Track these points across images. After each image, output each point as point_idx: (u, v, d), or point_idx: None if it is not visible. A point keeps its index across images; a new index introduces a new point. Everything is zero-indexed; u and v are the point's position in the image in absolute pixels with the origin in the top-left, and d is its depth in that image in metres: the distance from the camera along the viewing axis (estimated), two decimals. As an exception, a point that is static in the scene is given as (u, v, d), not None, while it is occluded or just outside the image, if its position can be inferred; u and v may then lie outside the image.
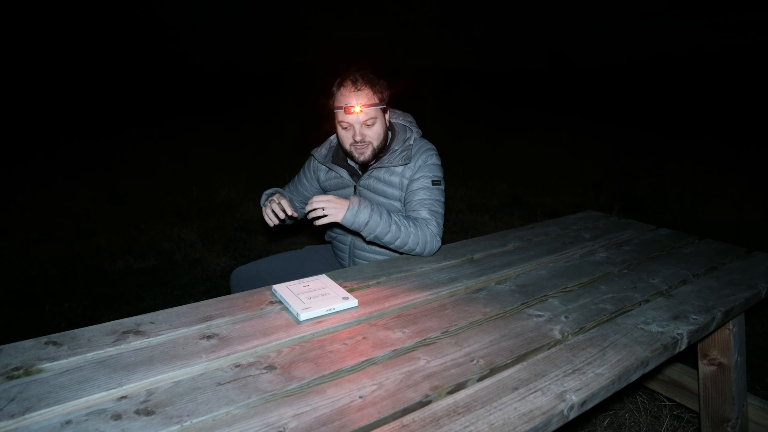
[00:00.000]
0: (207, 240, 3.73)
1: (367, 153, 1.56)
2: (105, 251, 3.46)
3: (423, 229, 1.50)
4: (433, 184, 1.57)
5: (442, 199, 1.59)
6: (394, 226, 1.45)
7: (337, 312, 1.17)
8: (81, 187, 5.20)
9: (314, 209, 1.41)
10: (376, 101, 1.52)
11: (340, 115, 1.52)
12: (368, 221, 1.42)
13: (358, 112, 1.49)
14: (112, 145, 7.94)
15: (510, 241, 1.74)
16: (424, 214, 1.53)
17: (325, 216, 1.41)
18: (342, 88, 1.51)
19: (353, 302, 1.20)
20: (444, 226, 1.59)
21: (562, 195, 4.99)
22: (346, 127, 1.54)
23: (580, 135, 8.95)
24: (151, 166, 6.19)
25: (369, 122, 1.52)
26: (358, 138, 1.52)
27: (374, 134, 1.55)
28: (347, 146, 1.56)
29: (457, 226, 4.02)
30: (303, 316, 1.13)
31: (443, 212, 1.58)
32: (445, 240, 1.65)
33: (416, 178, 1.58)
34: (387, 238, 1.45)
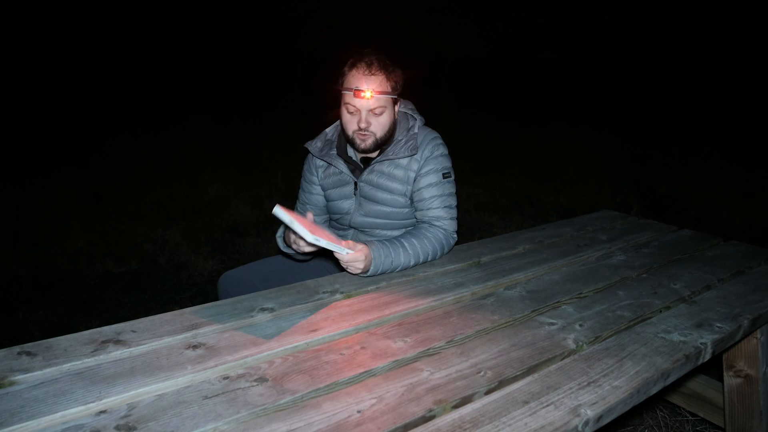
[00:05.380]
0: (193, 242, 3.73)
1: (368, 142, 1.56)
2: (83, 254, 3.46)
3: (435, 234, 1.55)
4: (443, 178, 1.59)
5: (454, 191, 1.63)
6: (413, 259, 1.49)
7: (327, 249, 1.27)
8: (57, 185, 5.21)
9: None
10: (388, 89, 1.53)
11: (348, 97, 1.52)
12: (389, 269, 1.45)
13: (368, 98, 1.49)
14: (90, 140, 7.95)
15: (520, 243, 1.74)
16: (436, 212, 1.57)
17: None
18: (354, 69, 1.51)
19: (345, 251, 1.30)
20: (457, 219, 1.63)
21: (576, 193, 5.00)
22: (352, 112, 1.54)
23: (596, 128, 8.96)
24: (132, 163, 6.20)
25: (377, 111, 1.53)
26: (362, 125, 1.52)
27: (380, 125, 1.54)
28: (350, 132, 1.56)
29: (464, 227, 3.99)
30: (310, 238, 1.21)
31: (456, 204, 1.63)
32: (450, 242, 1.65)
33: (424, 172, 1.59)
34: (408, 267, 1.50)
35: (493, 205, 4.63)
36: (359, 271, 1.38)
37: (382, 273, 1.45)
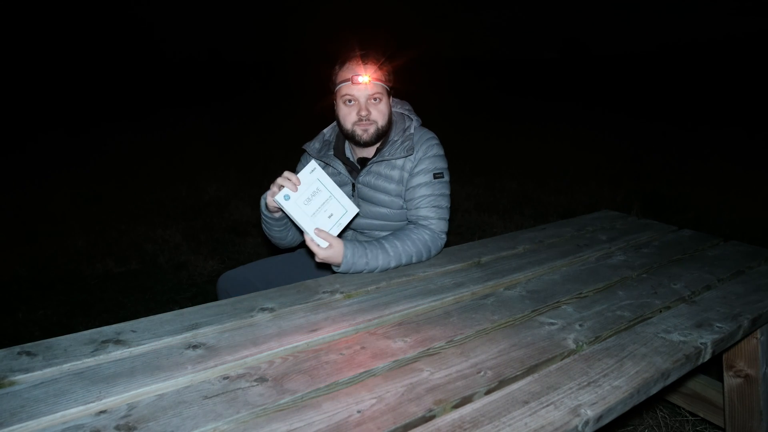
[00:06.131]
0: (193, 242, 3.73)
1: (371, 131, 1.55)
2: (83, 254, 3.46)
3: (420, 235, 1.52)
4: (435, 178, 1.57)
5: (447, 192, 1.61)
6: (393, 261, 1.47)
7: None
8: (57, 184, 5.21)
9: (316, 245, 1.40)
10: (383, 78, 1.53)
11: (345, 88, 1.52)
12: (364, 269, 1.44)
13: (367, 82, 1.50)
14: (91, 139, 7.96)
15: (520, 243, 1.74)
16: (425, 212, 1.55)
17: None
18: (348, 62, 1.52)
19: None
20: (450, 220, 1.61)
21: (576, 193, 5.00)
22: (350, 102, 1.53)
23: (596, 128, 8.96)
24: (133, 162, 6.20)
25: (376, 97, 1.52)
26: (363, 113, 1.51)
27: (379, 113, 1.54)
28: (349, 125, 1.55)
29: (464, 227, 4.02)
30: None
31: (448, 206, 1.60)
32: (450, 242, 1.66)
33: (416, 172, 1.58)
34: (387, 268, 1.48)
35: (493, 205, 4.63)
36: (320, 260, 1.39)
37: (359, 272, 1.44)
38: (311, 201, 1.37)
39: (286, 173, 1.37)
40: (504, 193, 5.06)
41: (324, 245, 1.37)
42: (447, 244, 1.72)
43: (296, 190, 1.36)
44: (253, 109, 11.88)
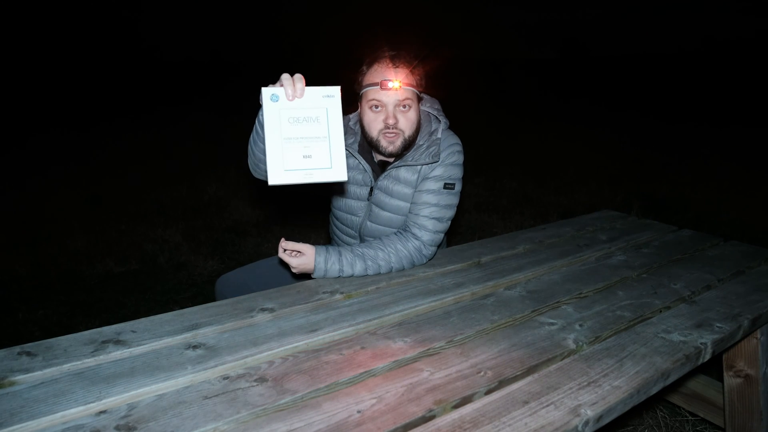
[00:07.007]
0: (193, 242, 3.73)
1: (398, 143, 1.47)
2: (83, 254, 3.46)
3: (406, 247, 1.48)
4: (445, 188, 1.51)
5: (453, 203, 1.54)
6: (371, 270, 1.44)
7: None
8: (57, 184, 5.21)
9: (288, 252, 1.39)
10: (414, 83, 1.45)
11: (372, 93, 1.43)
12: (339, 276, 1.42)
13: (397, 88, 1.40)
14: (90, 138, 7.95)
15: (520, 243, 1.74)
16: (422, 221, 1.50)
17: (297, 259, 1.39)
18: (377, 64, 1.44)
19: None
20: (448, 232, 1.56)
21: (576, 193, 5.00)
22: (377, 108, 1.44)
23: (596, 127, 8.96)
24: (132, 162, 6.20)
25: (406, 104, 1.44)
26: (391, 121, 1.42)
27: (408, 122, 1.46)
28: (374, 133, 1.47)
29: (463, 227, 4.02)
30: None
31: (450, 217, 1.54)
32: (449, 242, 1.66)
33: (430, 176, 1.51)
34: (365, 275, 1.45)
35: (493, 205, 4.63)
36: (294, 270, 1.39)
37: (335, 278, 1.42)
38: (297, 124, 1.09)
39: (297, 75, 1.11)
40: (504, 193, 5.06)
41: (294, 263, 1.36)
42: (447, 244, 1.72)
43: (291, 99, 1.09)
44: (254, 108, 11.87)
